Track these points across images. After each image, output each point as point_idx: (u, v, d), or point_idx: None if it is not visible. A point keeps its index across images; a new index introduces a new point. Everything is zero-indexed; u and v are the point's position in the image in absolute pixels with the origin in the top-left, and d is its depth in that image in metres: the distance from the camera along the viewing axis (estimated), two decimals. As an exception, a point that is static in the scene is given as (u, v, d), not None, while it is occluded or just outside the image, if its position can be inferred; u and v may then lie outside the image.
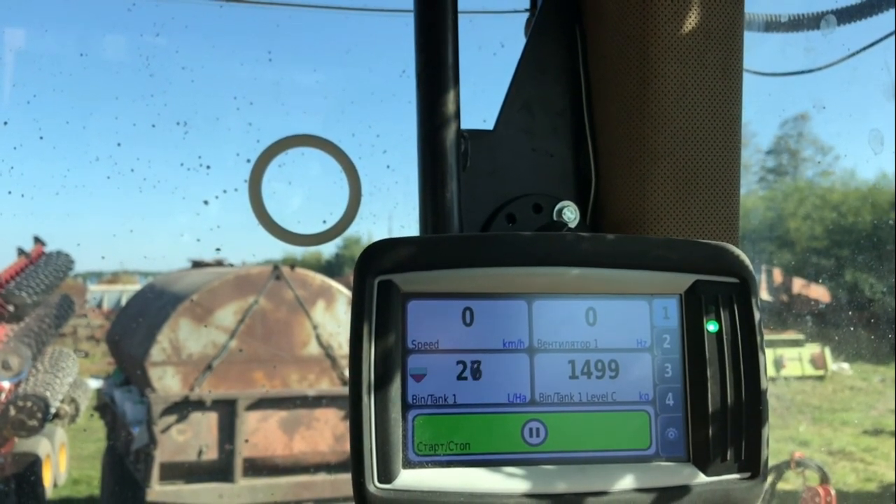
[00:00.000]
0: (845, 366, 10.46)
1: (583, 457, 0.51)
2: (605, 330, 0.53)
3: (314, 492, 6.06)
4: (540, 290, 0.52)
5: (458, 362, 0.51)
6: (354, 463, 0.48)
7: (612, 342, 0.53)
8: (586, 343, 0.53)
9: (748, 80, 0.79)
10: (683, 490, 0.50)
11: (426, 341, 0.51)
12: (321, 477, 6.10)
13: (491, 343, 0.52)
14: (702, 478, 0.51)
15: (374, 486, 0.48)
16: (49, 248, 7.39)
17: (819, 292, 9.05)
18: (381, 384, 0.49)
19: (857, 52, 0.97)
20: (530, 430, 0.52)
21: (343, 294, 6.61)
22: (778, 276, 9.77)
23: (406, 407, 0.50)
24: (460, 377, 0.51)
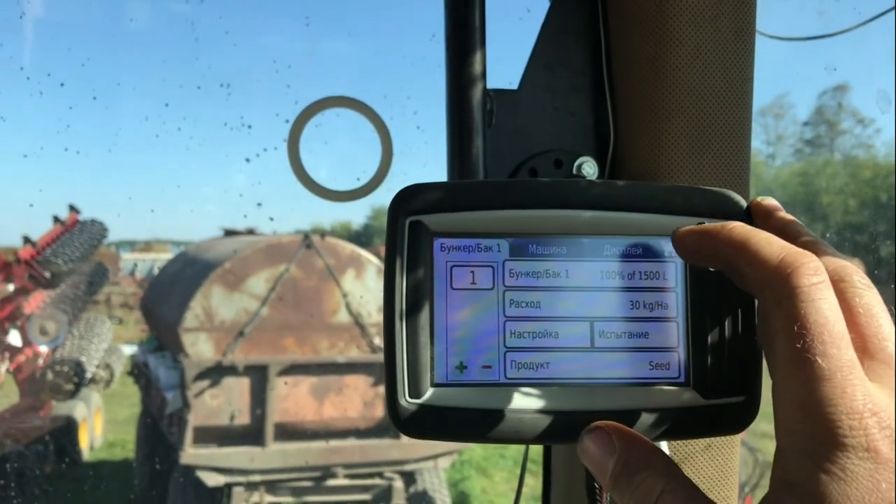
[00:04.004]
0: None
1: (592, 382, 0.56)
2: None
3: (343, 457, 6.17)
4: (555, 230, 0.57)
5: None
6: (388, 381, 0.54)
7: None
8: None
9: (777, 49, 0.83)
10: (684, 411, 0.55)
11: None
12: (350, 442, 6.21)
13: None
14: (700, 400, 0.56)
15: (405, 400, 0.53)
16: (105, 201, 7.58)
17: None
18: (412, 312, 0.54)
19: (871, 19, 1.00)
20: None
21: (372, 263, 6.66)
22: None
23: (433, 333, 0.55)
24: None
